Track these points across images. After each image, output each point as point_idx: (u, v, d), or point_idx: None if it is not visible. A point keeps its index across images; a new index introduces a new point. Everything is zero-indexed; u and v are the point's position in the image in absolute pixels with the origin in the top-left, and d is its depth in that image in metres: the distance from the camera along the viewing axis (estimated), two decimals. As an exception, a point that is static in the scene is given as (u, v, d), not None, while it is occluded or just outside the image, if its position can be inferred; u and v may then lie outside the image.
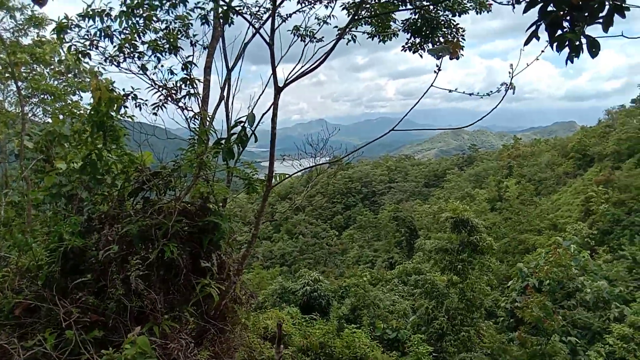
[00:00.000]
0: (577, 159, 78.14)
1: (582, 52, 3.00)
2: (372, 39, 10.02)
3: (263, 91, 6.28)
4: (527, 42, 3.52)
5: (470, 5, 8.11)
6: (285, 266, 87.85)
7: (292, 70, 5.91)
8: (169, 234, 5.35)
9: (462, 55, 8.84)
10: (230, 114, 6.88)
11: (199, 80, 6.26)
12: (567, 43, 3.07)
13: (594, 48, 2.89)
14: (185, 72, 6.08)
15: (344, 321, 25.65)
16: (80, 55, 5.75)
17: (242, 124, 6.10)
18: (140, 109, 5.80)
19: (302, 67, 5.86)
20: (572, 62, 3.05)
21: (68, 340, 4.99)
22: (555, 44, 3.30)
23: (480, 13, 8.17)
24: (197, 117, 5.93)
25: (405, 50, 9.85)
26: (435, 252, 25.67)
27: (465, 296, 23.23)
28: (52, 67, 14.56)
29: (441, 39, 8.64)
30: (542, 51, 5.53)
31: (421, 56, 9.74)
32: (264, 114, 5.97)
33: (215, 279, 5.91)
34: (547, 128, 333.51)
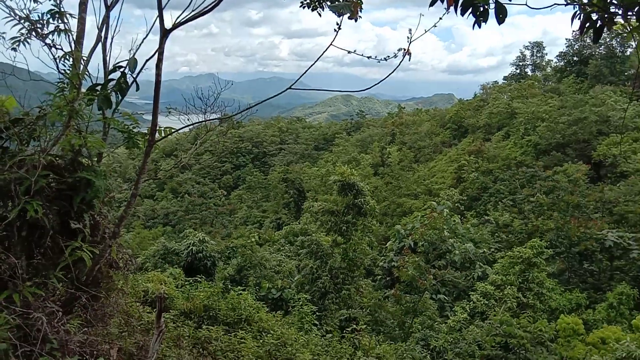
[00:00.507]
0: (453, 129, 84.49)
1: (488, 18, 3.00)
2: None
3: (147, 34, 5.62)
4: (432, 4, 3.45)
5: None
6: (169, 226, 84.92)
7: (180, 15, 5.33)
8: (32, 190, 4.66)
9: (360, 17, 8.79)
10: (108, 59, 6.11)
11: (70, 14, 5.41)
12: (471, 8, 3.06)
13: (501, 14, 2.91)
14: (52, 1, 5.19)
15: (229, 282, 25.57)
16: None
17: (121, 69, 5.44)
18: (-4, 42, 4.86)
19: (192, 12, 5.32)
20: (479, 27, 3.05)
21: None
22: (460, 9, 3.28)
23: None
24: (68, 57, 5.14)
25: (303, 7, 9.53)
26: (322, 213, 26.37)
27: (348, 256, 24.32)
28: None
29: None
30: (440, 18, 5.61)
31: (320, 15, 9.51)
32: (147, 60, 5.34)
33: (87, 241, 5.33)
34: (429, 99, 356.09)
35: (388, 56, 5.97)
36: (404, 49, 5.50)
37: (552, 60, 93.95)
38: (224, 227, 71.30)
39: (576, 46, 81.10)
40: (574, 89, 72.04)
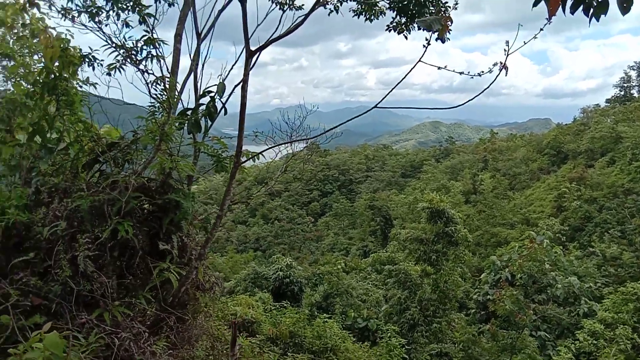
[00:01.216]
0: (551, 155, 79.30)
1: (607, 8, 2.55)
2: (358, 17, 9.50)
3: (236, 61, 5.67)
4: (535, 4, 3.05)
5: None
6: (259, 251, 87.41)
7: (268, 38, 5.35)
8: (123, 211, 4.80)
9: (449, 38, 8.39)
10: (199, 85, 6.27)
11: (162, 41, 5.63)
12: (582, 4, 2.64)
13: (625, 3, 2.43)
14: (144, 26, 5.44)
15: (315, 309, 25.38)
16: (27, 5, 5.09)
17: (210, 94, 5.54)
18: (94, 68, 5.16)
19: (279, 35, 5.31)
20: (597, 19, 2.60)
21: (3, 326, 4.43)
22: (570, 7, 2.86)
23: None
24: (159, 82, 5.32)
25: (389, 31, 9.34)
26: (410, 241, 25.49)
27: (439, 287, 23.15)
28: (15, 31, 13.58)
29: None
30: (542, 29, 5.11)
31: (406, 37, 9.25)
32: (236, 86, 5.39)
33: (175, 262, 5.39)
34: (523, 124, 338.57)
35: (482, 71, 5.56)
36: (500, 62, 5.06)
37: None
38: (311, 253, 71.93)
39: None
40: (689, 110, 64.90)
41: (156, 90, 5.25)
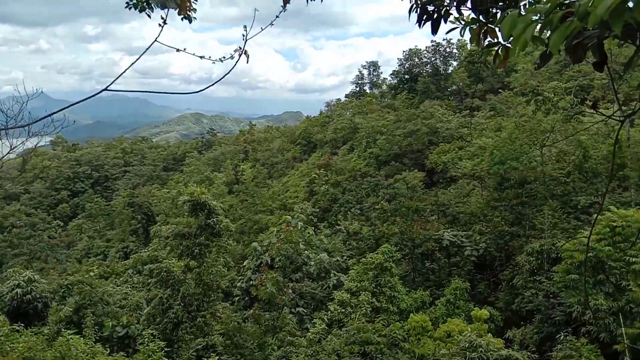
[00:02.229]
0: (303, 145, 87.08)
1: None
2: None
3: None
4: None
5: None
6: (-8, 266, 72.73)
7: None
8: None
9: (195, 18, 7.99)
10: None
11: None
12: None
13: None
14: None
15: (64, 325, 22.27)
16: None
17: None
18: None
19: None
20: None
21: None
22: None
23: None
24: None
25: (129, 8, 8.43)
26: (173, 237, 24.54)
27: (202, 280, 22.90)
28: None
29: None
30: (277, 16, 5.18)
31: (149, 16, 8.49)
32: None
33: None
34: (279, 117, 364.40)
35: (224, 57, 5.35)
36: (239, 47, 4.92)
37: (387, 79, 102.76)
38: (58, 262, 63.16)
39: (407, 65, 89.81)
40: (406, 104, 79.26)
41: None
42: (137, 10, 8.61)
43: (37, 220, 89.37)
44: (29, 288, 27.18)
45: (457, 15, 4.11)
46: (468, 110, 67.21)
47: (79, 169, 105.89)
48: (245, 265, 33.86)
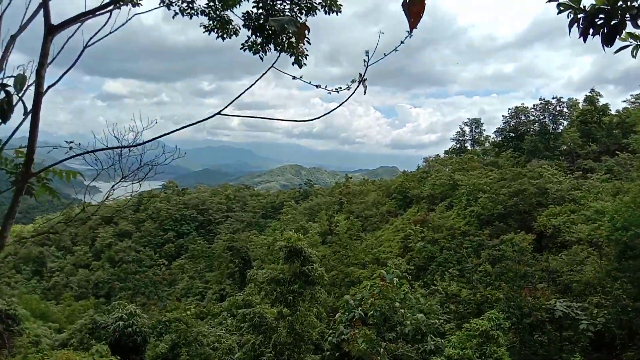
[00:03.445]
0: (398, 199, 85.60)
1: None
2: (209, 34, 8.72)
3: (45, 45, 4.41)
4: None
5: (319, 4, 7.34)
6: (102, 297, 78.66)
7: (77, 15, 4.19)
8: None
9: (305, 64, 7.99)
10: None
11: None
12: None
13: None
14: None
15: (159, 361, 22.83)
16: None
17: (6, 88, 4.19)
18: None
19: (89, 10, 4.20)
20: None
21: None
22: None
23: (329, 14, 7.46)
24: None
25: (244, 50, 8.68)
26: (267, 282, 24.59)
27: (294, 329, 22.43)
28: None
29: (290, 40, 7.68)
30: (402, 42, 4.87)
31: (262, 59, 8.68)
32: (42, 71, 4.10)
33: None
34: (374, 171, 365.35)
35: (340, 87, 5.10)
36: (360, 75, 4.62)
37: (490, 136, 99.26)
38: (159, 299, 66.48)
39: (512, 122, 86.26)
40: (511, 163, 75.48)
41: None
42: (252, 52, 8.88)
43: (144, 257, 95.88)
44: (130, 321, 28.52)
45: (630, 31, 3.46)
46: (580, 172, 62.25)
47: (186, 211, 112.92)
48: (337, 319, 32.92)
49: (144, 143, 4.30)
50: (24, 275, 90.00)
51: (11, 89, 4.18)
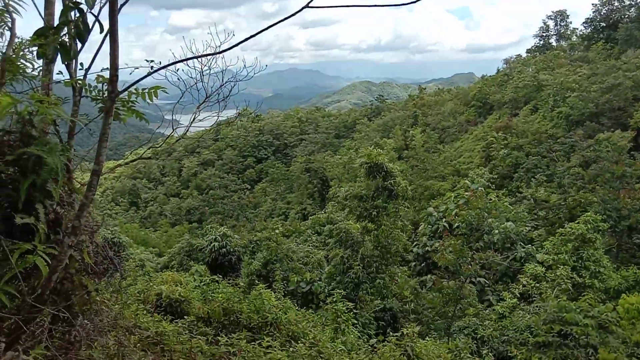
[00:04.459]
0: (477, 107, 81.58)
1: None
2: None
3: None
4: None
5: None
6: (194, 222, 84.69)
7: None
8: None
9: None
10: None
11: None
12: None
13: None
14: None
15: (255, 277, 24.28)
16: None
17: (79, 6, 3.94)
18: None
19: None
20: None
21: None
22: None
23: None
24: None
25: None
26: (350, 199, 24.77)
27: (380, 243, 22.72)
28: None
29: None
30: None
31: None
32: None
33: (44, 241, 3.91)
34: (449, 79, 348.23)
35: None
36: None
37: (577, 29, 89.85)
38: (248, 221, 70.37)
39: (603, 11, 77.03)
40: (603, 56, 68.54)
41: None
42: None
43: (228, 182, 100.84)
44: (224, 242, 30.37)
45: None
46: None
47: (262, 137, 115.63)
48: (420, 231, 33.01)
49: (228, 50, 3.95)
50: (122, 207, 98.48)
51: (84, 7, 3.93)
